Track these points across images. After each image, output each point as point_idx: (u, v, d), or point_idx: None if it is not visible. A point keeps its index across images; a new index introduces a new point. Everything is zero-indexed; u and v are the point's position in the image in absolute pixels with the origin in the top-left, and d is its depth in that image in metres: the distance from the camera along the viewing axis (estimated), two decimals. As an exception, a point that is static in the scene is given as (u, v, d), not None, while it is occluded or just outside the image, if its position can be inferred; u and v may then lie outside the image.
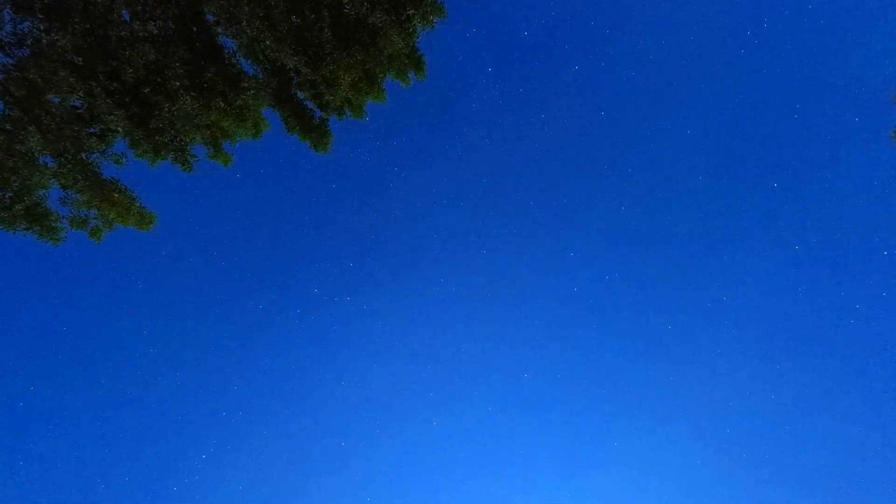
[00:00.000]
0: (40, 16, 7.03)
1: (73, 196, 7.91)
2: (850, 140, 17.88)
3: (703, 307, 19.62)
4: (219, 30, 8.21)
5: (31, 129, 7.32)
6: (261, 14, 7.85)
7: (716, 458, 19.13)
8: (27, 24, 7.16)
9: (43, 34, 7.21)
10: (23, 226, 7.50)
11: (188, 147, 8.44)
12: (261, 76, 8.84)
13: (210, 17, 8.11)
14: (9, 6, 6.94)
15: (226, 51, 8.33)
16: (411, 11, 8.32)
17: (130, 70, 7.57)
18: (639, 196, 19.65)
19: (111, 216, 8.11)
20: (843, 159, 18.01)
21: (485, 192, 19.79)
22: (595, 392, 19.90)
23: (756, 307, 19.51)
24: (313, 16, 8.02)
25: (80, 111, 7.82)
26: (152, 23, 7.75)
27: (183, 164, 8.55)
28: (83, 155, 7.77)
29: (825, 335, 19.31)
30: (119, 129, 7.91)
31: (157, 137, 8.11)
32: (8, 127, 7.20)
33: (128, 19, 7.65)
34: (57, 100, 7.56)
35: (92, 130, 7.83)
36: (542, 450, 19.94)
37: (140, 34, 7.67)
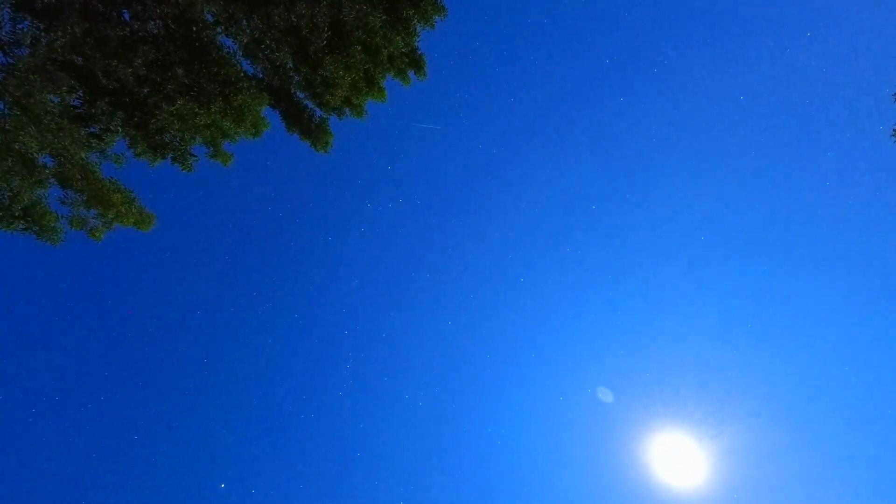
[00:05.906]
0: (40, 15, 7.02)
1: (73, 196, 7.88)
2: (849, 138, 17.87)
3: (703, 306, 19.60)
4: (219, 30, 8.20)
5: (30, 128, 7.28)
6: (261, 14, 7.84)
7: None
8: (27, 23, 7.14)
9: (42, 34, 7.18)
10: (21, 225, 7.46)
11: (188, 146, 8.41)
12: (261, 76, 8.83)
13: (210, 17, 8.10)
14: (8, 6, 6.93)
15: (226, 51, 8.32)
16: (410, 11, 8.31)
17: (130, 70, 7.55)
18: (639, 193, 19.61)
19: (110, 216, 8.08)
20: (843, 157, 18.00)
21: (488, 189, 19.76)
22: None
23: (754, 305, 19.48)
24: (313, 15, 8.02)
25: (79, 111, 7.80)
26: (152, 22, 7.74)
27: (182, 164, 8.53)
28: (82, 155, 7.74)
29: (818, 335, 19.23)
30: (118, 129, 7.88)
31: (156, 137, 8.09)
32: (7, 127, 7.17)
33: (128, 19, 7.65)
34: (57, 100, 7.53)
35: (91, 130, 7.80)
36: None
37: (140, 34, 7.65)
